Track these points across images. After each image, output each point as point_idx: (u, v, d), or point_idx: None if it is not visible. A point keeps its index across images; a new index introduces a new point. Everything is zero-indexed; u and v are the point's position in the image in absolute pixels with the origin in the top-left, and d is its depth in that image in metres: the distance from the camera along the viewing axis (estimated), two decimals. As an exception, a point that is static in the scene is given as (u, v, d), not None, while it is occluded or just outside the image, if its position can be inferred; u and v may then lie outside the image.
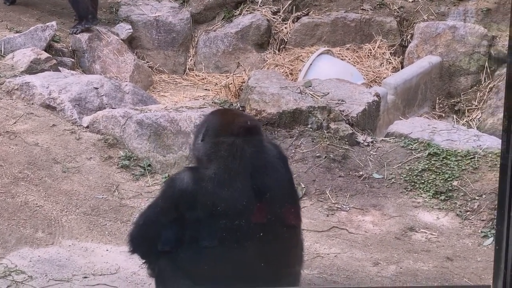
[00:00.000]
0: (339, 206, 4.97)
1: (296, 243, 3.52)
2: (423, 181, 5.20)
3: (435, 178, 5.20)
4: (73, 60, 7.66)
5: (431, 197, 5.06)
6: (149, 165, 5.27)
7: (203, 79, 8.92)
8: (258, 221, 3.09)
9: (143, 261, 3.44)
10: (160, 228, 3.14)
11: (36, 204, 4.66)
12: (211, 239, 3.06)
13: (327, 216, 4.87)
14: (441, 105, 8.75)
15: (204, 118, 3.42)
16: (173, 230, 3.10)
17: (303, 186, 5.11)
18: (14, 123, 5.54)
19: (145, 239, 3.21)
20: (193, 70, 9.16)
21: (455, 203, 4.98)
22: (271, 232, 3.20)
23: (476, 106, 8.55)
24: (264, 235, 3.09)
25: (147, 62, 8.90)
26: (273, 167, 3.18)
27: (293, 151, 5.37)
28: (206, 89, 8.58)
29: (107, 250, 4.26)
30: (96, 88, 6.09)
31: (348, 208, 4.96)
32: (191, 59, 9.22)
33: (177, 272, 3.21)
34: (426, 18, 9.03)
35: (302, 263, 3.62)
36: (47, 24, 7.43)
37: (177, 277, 3.23)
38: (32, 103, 5.85)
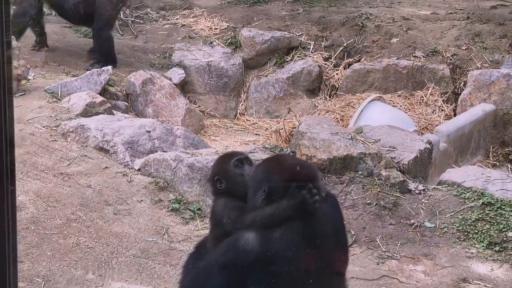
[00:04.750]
0: (390, 255, 4.89)
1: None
2: (476, 231, 5.09)
3: (489, 228, 5.08)
4: (126, 103, 7.81)
5: (485, 247, 4.95)
6: (199, 209, 5.28)
7: (253, 124, 8.98)
8: (316, 274, 3.04)
9: None
10: (217, 283, 3.09)
11: (87, 245, 4.71)
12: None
13: (377, 264, 4.79)
14: (494, 154, 8.61)
15: (261, 168, 3.12)
16: (230, 285, 3.06)
17: (353, 233, 5.05)
18: (68, 165, 5.64)
19: None
20: (244, 114, 9.23)
21: (510, 254, 4.85)
22: (327, 282, 3.15)
23: (531, 155, 8.40)
24: (323, 284, 3.05)
25: (199, 106, 9.02)
26: (333, 219, 3.13)
27: (343, 197, 5.32)
28: (256, 134, 8.63)
29: (155, 294, 4.27)
30: (148, 132, 6.17)
31: (399, 257, 4.88)
32: (242, 104, 9.30)
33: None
34: (479, 65, 8.95)
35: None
36: (103, 68, 7.61)
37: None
38: (86, 146, 5.95)
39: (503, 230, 5.04)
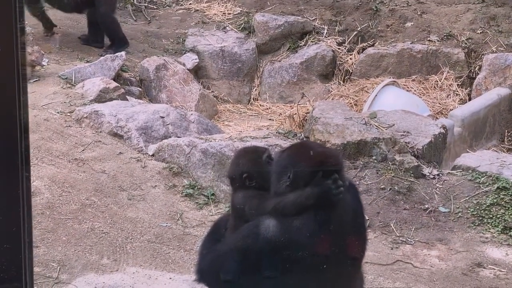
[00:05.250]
0: (404, 240, 4.89)
1: (359, 277, 3.47)
2: (491, 215, 5.07)
3: (504, 213, 5.06)
4: (140, 89, 7.81)
5: (500, 232, 4.93)
6: (213, 194, 5.29)
7: (267, 109, 8.97)
8: (333, 261, 3.03)
9: None
10: (235, 267, 3.09)
11: (102, 230, 4.74)
12: (285, 279, 3.02)
13: (391, 249, 4.79)
14: (510, 138, 8.55)
15: (287, 153, 3.08)
16: (247, 270, 3.06)
17: (367, 218, 5.04)
18: (83, 150, 5.67)
19: (217, 274, 3.17)
20: (257, 100, 9.22)
21: (525, 239, 4.83)
22: (343, 270, 3.15)
23: (546, 139, 8.34)
24: (337, 274, 3.04)
25: (212, 91, 9.01)
26: (353, 208, 3.12)
27: (357, 182, 5.31)
28: (270, 119, 8.62)
29: (170, 278, 4.28)
30: (162, 117, 6.18)
31: (413, 242, 4.87)
32: (255, 89, 9.29)
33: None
34: (495, 49, 8.88)
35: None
36: (117, 54, 7.62)
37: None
38: (100, 131, 5.97)
39: (518, 214, 5.02)
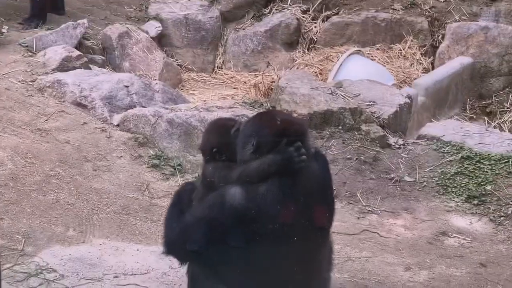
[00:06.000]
0: (370, 209, 4.93)
1: (328, 246, 3.49)
2: (455, 185, 5.13)
3: (468, 182, 5.13)
4: (103, 57, 7.68)
5: (464, 201, 5.00)
6: (179, 165, 5.26)
7: (231, 77, 8.91)
8: (299, 229, 3.04)
9: (180, 263, 3.41)
10: (202, 237, 3.08)
11: (67, 202, 4.68)
12: (251, 247, 3.02)
13: (358, 219, 4.82)
14: (472, 107, 8.65)
15: (251, 122, 3.14)
16: (215, 239, 3.05)
17: (334, 188, 5.05)
18: (46, 120, 5.57)
19: (185, 245, 3.16)
20: (221, 68, 9.15)
21: (489, 208, 4.90)
22: (309, 239, 3.15)
23: (508, 108, 8.45)
24: (303, 242, 3.05)
25: (176, 60, 8.91)
26: (320, 177, 3.12)
27: (324, 152, 5.32)
28: (235, 88, 8.57)
29: (137, 250, 4.25)
30: (127, 87, 6.10)
31: (379, 211, 4.91)
32: (220, 58, 9.21)
33: (212, 275, 3.19)
34: (458, 18, 8.94)
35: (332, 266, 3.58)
36: (78, 21, 7.46)
37: (210, 280, 3.21)
38: (64, 101, 5.87)
39: (481, 183, 5.09)
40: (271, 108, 5.75)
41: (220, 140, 3.18)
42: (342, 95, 5.76)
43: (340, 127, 5.50)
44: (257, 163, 2.97)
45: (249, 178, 2.97)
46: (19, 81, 6.06)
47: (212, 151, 3.17)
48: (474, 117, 8.52)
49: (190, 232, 3.14)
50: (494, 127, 7.92)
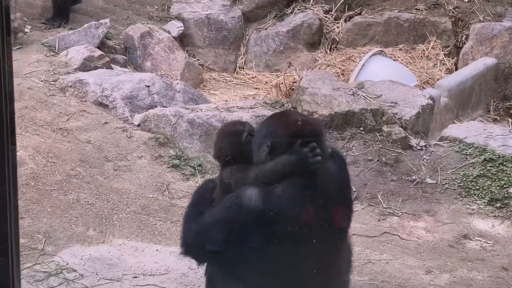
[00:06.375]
0: (391, 211, 4.89)
1: (346, 248, 3.46)
2: (478, 187, 5.08)
3: (490, 185, 5.07)
4: (125, 57, 7.71)
5: (486, 204, 4.94)
6: (200, 165, 5.25)
7: (253, 77, 8.90)
8: (317, 230, 3.02)
9: (198, 264, 3.42)
10: (220, 238, 3.07)
11: (88, 202, 4.69)
12: (269, 249, 3.01)
13: (379, 221, 4.79)
14: (495, 108, 8.56)
15: (266, 123, 3.15)
16: (232, 240, 3.04)
17: (354, 189, 5.03)
18: (67, 120, 5.59)
19: (202, 246, 3.16)
20: (243, 68, 9.14)
21: (511, 211, 4.84)
22: (327, 240, 3.13)
23: (532, 109, 8.35)
24: (321, 244, 3.03)
25: (198, 60, 8.91)
26: (338, 178, 3.10)
27: (345, 153, 5.29)
28: (256, 88, 8.55)
29: (157, 250, 4.26)
30: (148, 86, 6.11)
31: (400, 214, 4.87)
32: (241, 58, 9.20)
33: (230, 277, 3.19)
34: (482, 19, 8.84)
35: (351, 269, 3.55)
36: (101, 21, 7.50)
37: (228, 281, 3.21)
38: (85, 101, 5.89)
39: (504, 186, 5.03)
40: (291, 109, 5.73)
41: (232, 147, 3.20)
42: (363, 96, 5.72)
43: (361, 128, 5.47)
44: (272, 164, 2.97)
45: (265, 179, 2.97)
46: (42, 81, 6.10)
47: (225, 159, 3.20)
48: (498, 118, 8.42)
49: (208, 233, 3.14)
50: (518, 128, 7.82)
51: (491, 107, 8.56)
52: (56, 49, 6.86)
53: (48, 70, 6.30)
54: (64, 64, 6.46)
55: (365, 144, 5.40)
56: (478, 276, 4.17)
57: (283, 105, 5.91)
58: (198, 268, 3.68)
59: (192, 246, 3.25)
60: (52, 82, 6.11)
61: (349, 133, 5.46)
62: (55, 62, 6.50)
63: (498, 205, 4.91)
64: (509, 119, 8.34)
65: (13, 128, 2.26)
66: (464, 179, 5.15)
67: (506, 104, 8.60)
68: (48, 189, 4.76)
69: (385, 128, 5.49)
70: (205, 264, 3.40)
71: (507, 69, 8.53)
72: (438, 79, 8.15)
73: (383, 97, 5.85)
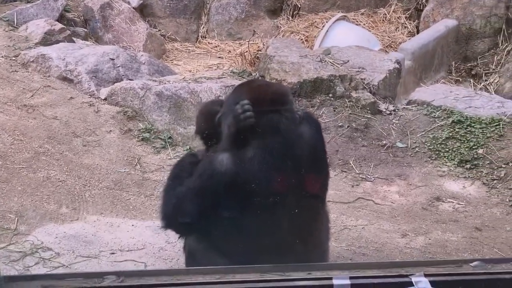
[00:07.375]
0: (364, 177, 4.91)
1: (324, 215, 3.47)
2: (447, 149, 5.13)
3: (459, 146, 5.13)
4: (85, 30, 7.57)
5: (456, 165, 5.00)
6: (170, 138, 5.20)
7: (216, 47, 8.81)
8: (293, 196, 3.02)
9: (179, 236, 3.39)
10: (196, 208, 3.06)
11: (59, 179, 4.61)
12: (246, 216, 3.00)
13: (352, 187, 4.81)
14: (457, 70, 8.63)
15: (231, 94, 3.17)
16: (209, 209, 3.03)
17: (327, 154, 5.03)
18: (32, 96, 5.48)
19: (181, 217, 3.13)
20: (205, 38, 9.04)
21: (481, 171, 4.91)
22: (304, 206, 3.13)
23: (494, 70, 8.43)
24: (298, 209, 3.03)
25: (159, 30, 8.79)
26: (310, 142, 3.09)
27: (316, 117, 5.28)
28: (219, 57, 8.47)
29: (132, 225, 4.21)
30: (112, 59, 6.01)
31: (373, 179, 4.90)
32: (203, 27, 9.10)
33: (209, 248, 3.17)
34: (442, -20, 8.85)
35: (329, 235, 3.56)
36: (59, -7, 7.33)
37: (208, 252, 3.19)
38: (49, 76, 5.77)
39: (473, 147, 5.09)
40: (259, 78, 5.69)
41: (209, 126, 3.23)
42: (331, 62, 5.71)
43: (330, 95, 5.46)
44: (225, 128, 2.99)
45: (228, 144, 2.98)
46: (2, 56, 5.95)
47: (203, 136, 3.28)
48: (460, 80, 8.49)
49: (186, 203, 3.12)
50: (480, 89, 7.90)
51: (453, 68, 8.62)
52: (15, 24, 6.70)
53: (8, 46, 6.15)
54: (25, 39, 6.31)
55: (334, 110, 5.40)
56: (452, 238, 4.22)
57: (251, 74, 5.87)
58: (176, 241, 3.66)
59: (172, 219, 3.22)
60: (13, 58, 5.97)
61: (318, 100, 5.45)
62: (14, 37, 6.35)
63: (468, 166, 4.97)
64: (471, 80, 8.43)
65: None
66: (434, 141, 5.20)
67: (467, 65, 8.66)
68: (17, 167, 4.66)
69: (354, 94, 5.49)
70: (184, 239, 3.38)
71: (467, 30, 8.58)
72: (400, 43, 8.18)
73: (350, 63, 5.85)
